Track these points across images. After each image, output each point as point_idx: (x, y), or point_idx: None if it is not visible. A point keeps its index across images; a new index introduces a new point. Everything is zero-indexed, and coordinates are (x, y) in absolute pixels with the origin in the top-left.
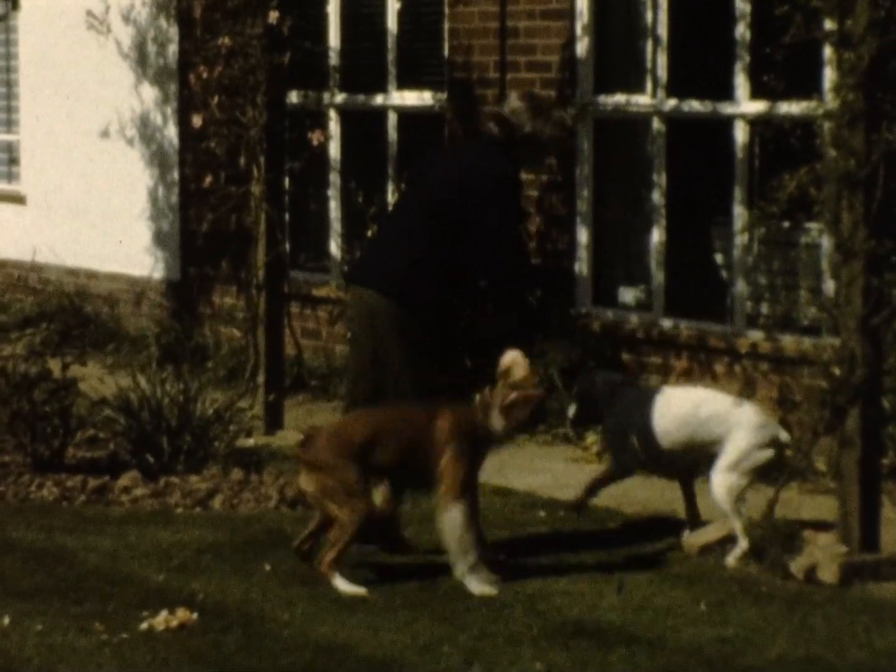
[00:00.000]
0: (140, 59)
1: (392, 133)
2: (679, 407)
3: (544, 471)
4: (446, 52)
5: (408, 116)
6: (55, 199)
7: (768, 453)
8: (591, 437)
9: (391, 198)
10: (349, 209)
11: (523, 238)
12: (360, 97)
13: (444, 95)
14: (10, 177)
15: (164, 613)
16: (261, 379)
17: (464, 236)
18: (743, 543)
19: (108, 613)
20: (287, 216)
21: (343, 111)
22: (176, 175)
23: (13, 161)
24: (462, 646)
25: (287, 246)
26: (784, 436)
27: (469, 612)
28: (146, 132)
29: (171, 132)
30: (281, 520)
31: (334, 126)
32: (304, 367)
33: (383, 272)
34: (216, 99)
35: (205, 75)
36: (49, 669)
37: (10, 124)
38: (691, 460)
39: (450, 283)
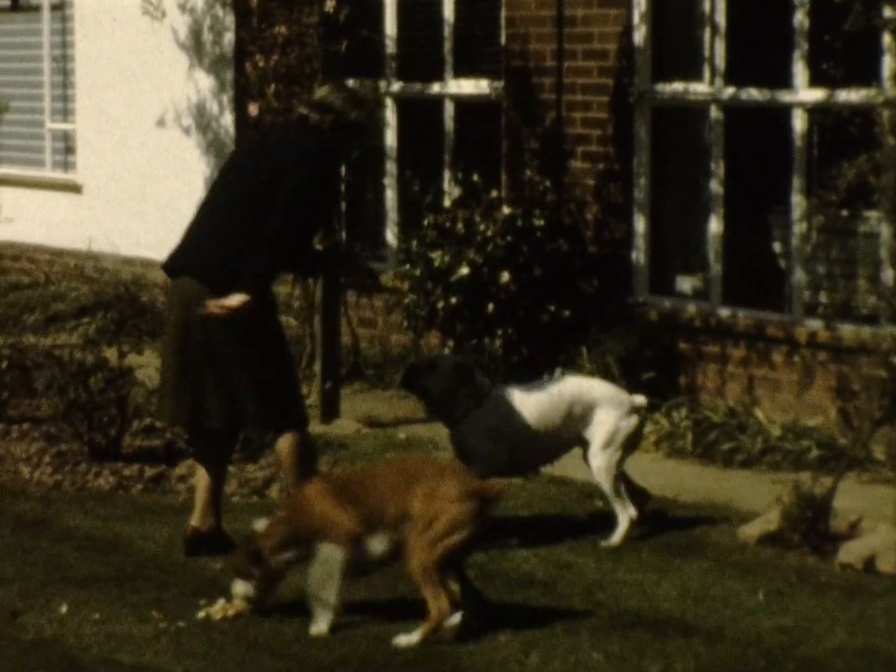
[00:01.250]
0: (196, 48)
1: (448, 121)
2: (540, 400)
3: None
4: (503, 41)
5: (464, 105)
6: (111, 188)
7: (633, 421)
8: (649, 427)
9: (447, 186)
10: (405, 198)
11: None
12: (417, 85)
13: (500, 84)
14: (67, 166)
15: (221, 602)
16: (317, 367)
17: (292, 221)
18: (624, 520)
19: (164, 602)
20: (344, 205)
21: (399, 99)
22: None
23: (69, 150)
24: (520, 634)
25: (343, 234)
26: (640, 400)
27: (527, 602)
28: (202, 121)
29: (228, 121)
30: None
31: (391, 114)
32: (360, 356)
33: (200, 260)
34: (272, 87)
35: (261, 64)
36: (106, 657)
37: (66, 113)
38: (559, 448)
39: (273, 271)
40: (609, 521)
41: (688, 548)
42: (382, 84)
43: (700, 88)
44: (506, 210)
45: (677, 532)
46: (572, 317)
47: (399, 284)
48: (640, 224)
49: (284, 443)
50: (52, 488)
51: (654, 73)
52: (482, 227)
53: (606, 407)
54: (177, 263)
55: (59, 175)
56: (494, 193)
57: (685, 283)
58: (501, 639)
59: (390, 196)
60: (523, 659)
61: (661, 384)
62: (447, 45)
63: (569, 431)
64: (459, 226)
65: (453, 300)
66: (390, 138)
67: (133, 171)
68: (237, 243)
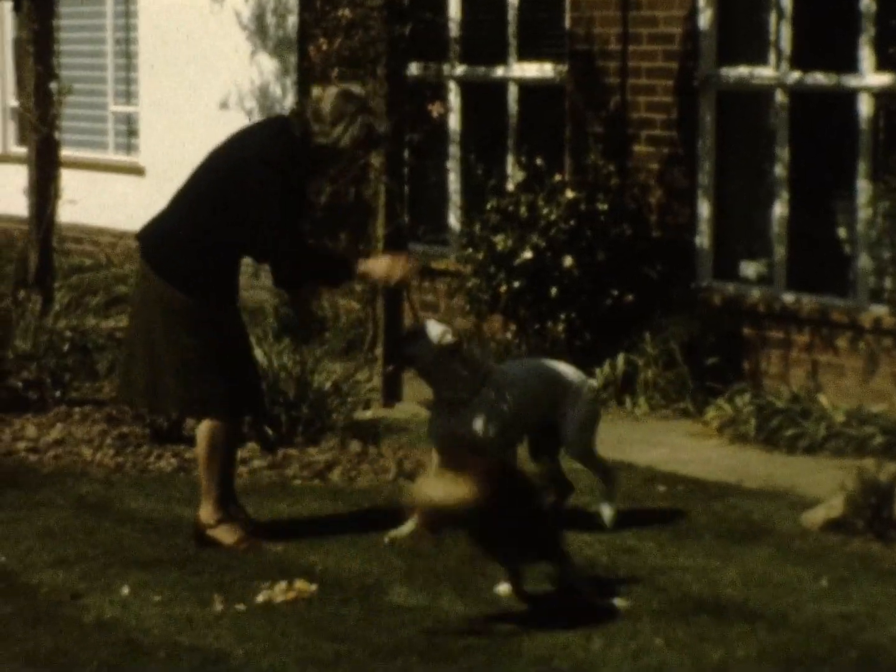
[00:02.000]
0: (259, 31)
1: (512, 105)
2: (529, 380)
3: (664, 445)
4: (567, 24)
5: (528, 88)
6: (174, 171)
7: (596, 405)
8: (712, 412)
9: (510, 170)
10: (468, 182)
11: (291, 223)
12: (481, 69)
13: (564, 67)
14: (129, 149)
15: (282, 585)
16: (379, 351)
17: (231, 218)
18: (615, 486)
19: (226, 584)
20: (406, 188)
21: (463, 83)
22: None
23: (132, 133)
24: (582, 619)
25: (406, 218)
26: (595, 383)
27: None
28: (265, 103)
29: (291, 104)
30: (399, 493)
31: (454, 98)
32: None
33: (150, 240)
34: (336, 71)
35: (325, 47)
36: (168, 640)
37: (129, 96)
38: (533, 428)
39: (214, 261)
40: (672, 506)
41: (750, 534)
42: (447, 68)
43: (765, 73)
44: (569, 194)
45: (740, 518)
46: (635, 301)
47: (462, 268)
48: (704, 209)
49: (199, 428)
50: (113, 470)
51: (720, 56)
52: (545, 211)
53: (581, 390)
54: (140, 241)
55: (121, 158)
56: (558, 177)
57: (749, 269)
58: (555, 622)
59: (453, 180)
60: (585, 644)
61: (724, 370)
62: (511, 29)
63: (544, 412)
64: (523, 210)
65: (516, 284)
66: (454, 122)
67: (196, 153)
68: (180, 230)
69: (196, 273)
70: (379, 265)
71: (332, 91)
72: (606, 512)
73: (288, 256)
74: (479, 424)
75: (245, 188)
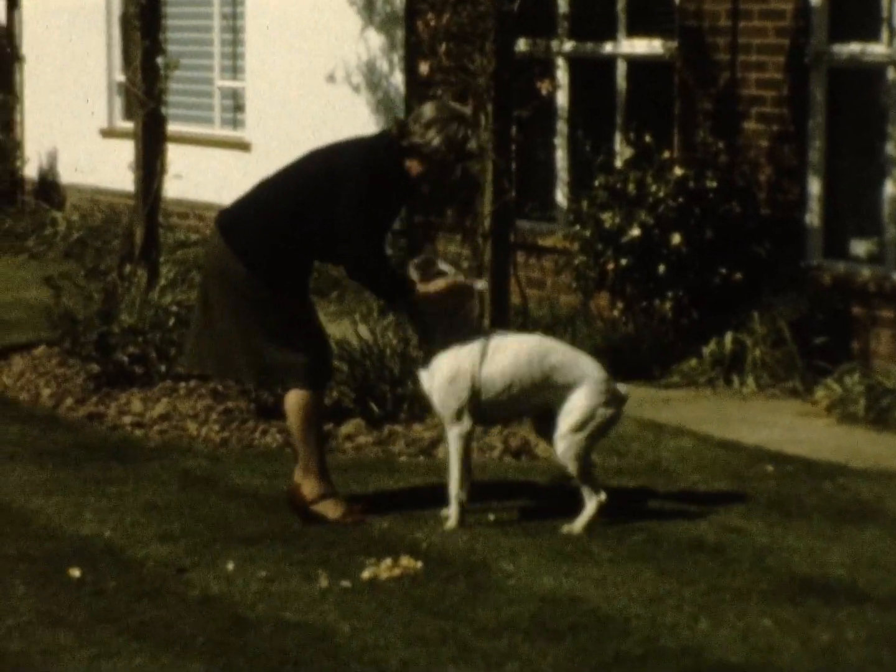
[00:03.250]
0: (367, 6)
1: (621, 82)
2: (519, 354)
3: (772, 425)
4: (677, 0)
5: (637, 65)
6: (279, 146)
7: (611, 412)
8: (821, 391)
9: (618, 147)
10: (576, 159)
11: (371, 237)
12: (589, 45)
13: (674, 44)
14: (235, 124)
15: (387, 561)
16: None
17: (319, 218)
18: (591, 506)
19: (331, 560)
20: (514, 165)
21: (571, 59)
22: None
23: (238, 108)
24: (689, 599)
25: (513, 195)
26: (624, 390)
27: (696, 566)
28: (372, 79)
29: (398, 79)
30: (504, 470)
31: (562, 74)
32: (529, 317)
33: (232, 219)
34: (444, 46)
35: (433, 23)
36: (272, 615)
37: (235, 71)
38: (521, 410)
39: (296, 255)
40: (780, 486)
41: (859, 514)
42: (555, 44)
43: (877, 49)
44: (678, 171)
45: (849, 498)
46: (744, 280)
47: (568, 245)
48: (814, 186)
49: (288, 401)
50: (218, 445)
51: (831, 33)
52: (654, 188)
53: (589, 388)
54: (218, 216)
55: (227, 133)
56: (667, 154)
57: (859, 247)
58: (670, 603)
59: (560, 156)
60: (692, 624)
61: (833, 349)
62: (620, 4)
63: (539, 397)
64: (631, 187)
65: (623, 262)
66: (561, 98)
67: (301, 129)
68: (266, 219)
69: (270, 261)
70: (436, 286)
71: (436, 101)
72: (566, 527)
73: (364, 268)
74: (426, 376)
75: (339, 191)
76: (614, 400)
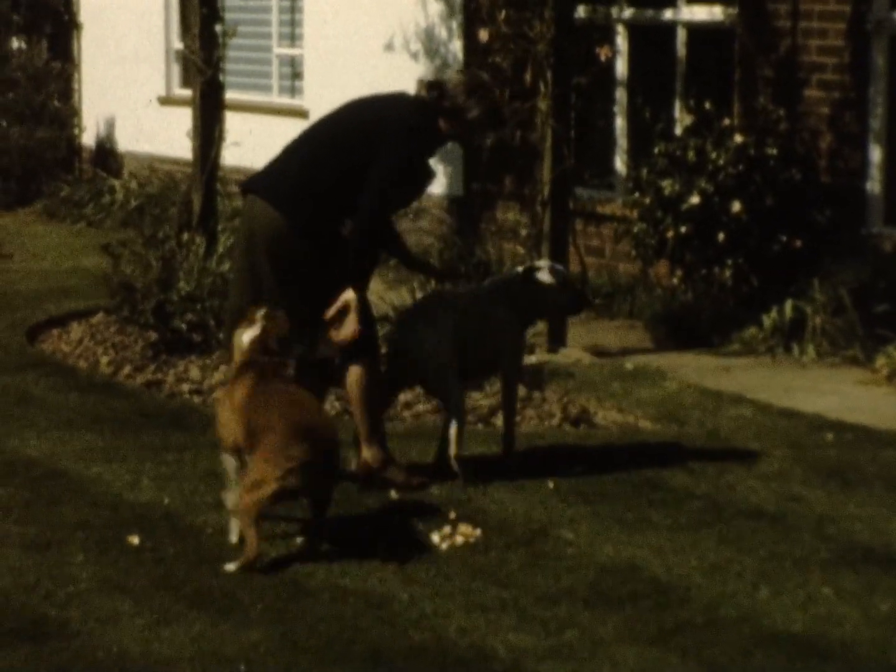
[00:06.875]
0: None
1: (680, 49)
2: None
3: (832, 393)
4: None
5: (697, 32)
6: None
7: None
8: (881, 360)
9: (678, 114)
10: (635, 126)
11: (390, 201)
12: (649, 12)
13: (734, 10)
14: (294, 91)
15: (445, 529)
16: None
17: (356, 176)
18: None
19: (390, 528)
20: (573, 132)
21: (631, 26)
22: None
23: (296, 76)
24: (749, 568)
25: (572, 162)
26: None
27: (756, 534)
28: (431, 46)
29: (456, 46)
30: (563, 437)
31: (621, 41)
32: (588, 285)
33: (269, 182)
34: (503, 13)
35: None
36: (332, 583)
37: (293, 38)
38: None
39: (335, 215)
40: (840, 454)
41: None
42: (615, 10)
43: None
44: (738, 139)
45: None
46: (804, 247)
47: (628, 213)
48: (875, 154)
49: (350, 376)
50: None
51: (893, 0)
52: (714, 155)
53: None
54: (249, 184)
55: (285, 100)
56: (727, 122)
57: None
58: (731, 571)
59: (620, 124)
60: (752, 592)
61: (894, 317)
62: None
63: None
64: (690, 154)
65: (683, 229)
66: (621, 66)
67: (359, 96)
68: (306, 178)
69: (310, 215)
70: (347, 321)
71: (468, 69)
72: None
73: (365, 222)
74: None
75: (383, 142)
76: None
